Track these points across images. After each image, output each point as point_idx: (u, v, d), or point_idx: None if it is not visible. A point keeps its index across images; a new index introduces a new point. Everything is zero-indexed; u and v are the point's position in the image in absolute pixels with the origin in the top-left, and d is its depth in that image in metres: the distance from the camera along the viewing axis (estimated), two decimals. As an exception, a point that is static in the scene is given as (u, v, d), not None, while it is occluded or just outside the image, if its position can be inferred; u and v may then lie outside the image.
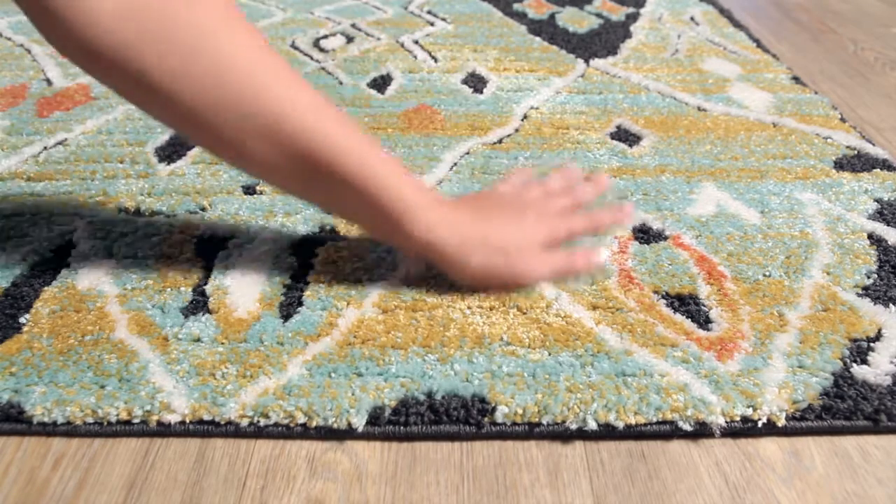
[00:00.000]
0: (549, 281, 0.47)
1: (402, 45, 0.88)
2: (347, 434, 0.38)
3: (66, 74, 0.77)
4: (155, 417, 0.38)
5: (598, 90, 0.76)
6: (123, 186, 0.57)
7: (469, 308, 0.45)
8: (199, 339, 0.42)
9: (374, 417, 0.38)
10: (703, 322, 0.44)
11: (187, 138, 0.45)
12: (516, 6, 1.03)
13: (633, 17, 0.99)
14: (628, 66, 0.82)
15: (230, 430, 0.38)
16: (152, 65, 0.36)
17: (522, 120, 0.69)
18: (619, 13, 1.00)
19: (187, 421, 0.38)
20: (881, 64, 0.88)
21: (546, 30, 0.94)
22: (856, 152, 0.64)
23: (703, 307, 0.45)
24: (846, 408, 0.38)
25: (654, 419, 0.38)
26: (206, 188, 0.57)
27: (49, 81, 0.76)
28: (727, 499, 0.35)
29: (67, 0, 0.34)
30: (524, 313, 0.45)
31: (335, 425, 0.38)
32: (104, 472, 0.36)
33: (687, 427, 0.38)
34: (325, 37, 0.90)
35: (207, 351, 0.42)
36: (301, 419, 0.38)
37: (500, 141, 0.66)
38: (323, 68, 0.81)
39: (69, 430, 0.38)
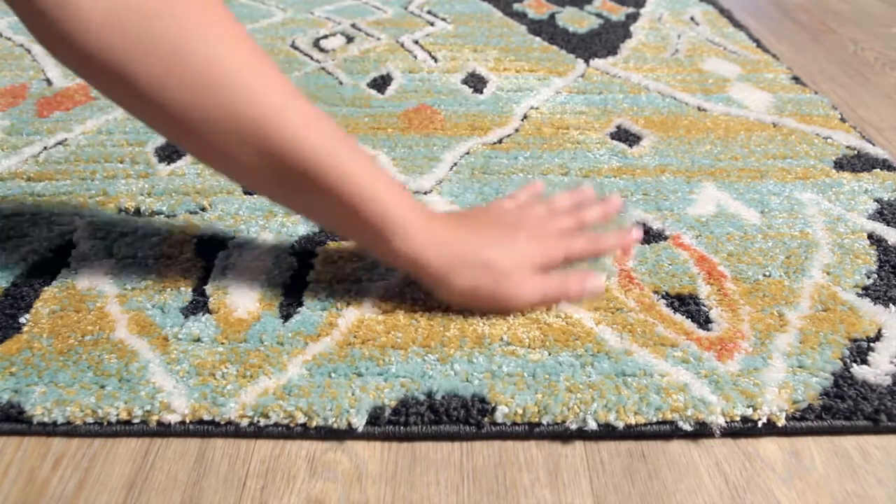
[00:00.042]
0: (540, 305, 0.45)
1: (402, 45, 0.88)
2: (347, 434, 0.38)
3: (66, 74, 0.77)
4: (155, 417, 0.38)
5: (598, 90, 0.76)
6: (123, 186, 0.57)
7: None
8: (199, 339, 0.42)
9: (374, 417, 0.38)
10: (703, 322, 0.44)
11: (178, 145, 0.44)
12: (516, 6, 1.03)
13: (633, 17, 0.99)
14: (628, 66, 0.82)
15: (230, 430, 0.38)
16: (138, 70, 0.36)
17: (522, 120, 0.69)
18: (619, 13, 1.00)
19: (187, 421, 0.38)
20: (881, 64, 0.88)
21: (546, 30, 0.94)
22: (856, 152, 0.64)
23: (703, 307, 0.45)
24: (846, 408, 0.38)
25: (654, 419, 0.38)
26: (206, 188, 0.57)
27: (49, 81, 0.76)
28: (727, 499, 0.35)
29: (58, 3, 0.34)
30: (524, 314, 0.45)
31: (335, 425, 0.38)
32: (104, 472, 0.36)
33: (687, 427, 0.38)
34: (325, 37, 0.90)
35: (207, 351, 0.42)
36: (301, 419, 0.38)
37: (500, 141, 0.66)
38: (323, 68, 0.81)
39: (69, 430, 0.38)
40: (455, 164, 0.62)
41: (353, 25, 0.95)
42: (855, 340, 0.43)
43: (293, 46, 0.87)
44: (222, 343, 0.42)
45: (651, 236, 0.53)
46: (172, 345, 0.42)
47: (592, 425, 0.38)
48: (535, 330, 0.43)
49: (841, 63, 0.87)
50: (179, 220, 0.53)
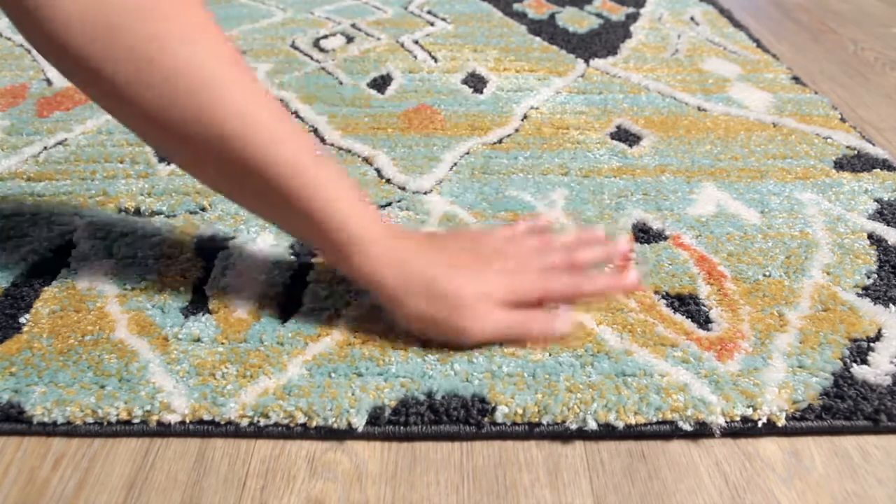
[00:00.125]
0: (499, 341, 0.42)
1: (402, 45, 0.88)
2: (347, 434, 0.38)
3: (66, 74, 0.77)
4: (155, 417, 0.38)
5: (598, 90, 0.76)
6: (123, 186, 0.57)
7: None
8: (199, 339, 0.42)
9: (374, 417, 0.38)
10: (703, 322, 0.44)
11: (152, 148, 0.43)
12: (516, 6, 1.03)
13: (633, 17, 0.99)
14: (628, 66, 0.82)
15: (230, 430, 0.38)
16: (109, 69, 0.36)
17: (522, 120, 0.69)
18: (619, 13, 1.00)
19: (187, 421, 0.38)
20: (881, 64, 0.88)
21: (546, 30, 0.94)
22: (856, 152, 0.64)
23: (703, 307, 0.45)
24: (846, 408, 0.38)
25: (654, 419, 0.38)
26: (206, 188, 0.57)
27: (49, 81, 0.76)
28: (727, 499, 0.35)
29: None
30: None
31: (335, 425, 0.38)
32: (104, 472, 0.36)
33: (687, 427, 0.38)
34: (325, 37, 0.90)
35: (207, 351, 0.42)
36: (301, 419, 0.38)
37: (500, 141, 0.66)
38: (323, 68, 0.81)
39: (69, 430, 0.38)
40: (455, 164, 0.62)
41: (353, 25, 0.95)
42: (855, 340, 0.43)
43: (293, 46, 0.87)
44: (222, 343, 0.42)
45: (651, 236, 0.53)
46: (172, 345, 0.42)
47: (592, 425, 0.38)
48: (535, 330, 0.43)
49: (841, 63, 0.87)
50: (179, 220, 0.53)
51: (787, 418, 0.38)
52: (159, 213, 0.54)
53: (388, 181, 0.59)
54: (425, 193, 0.57)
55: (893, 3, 1.11)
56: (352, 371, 0.40)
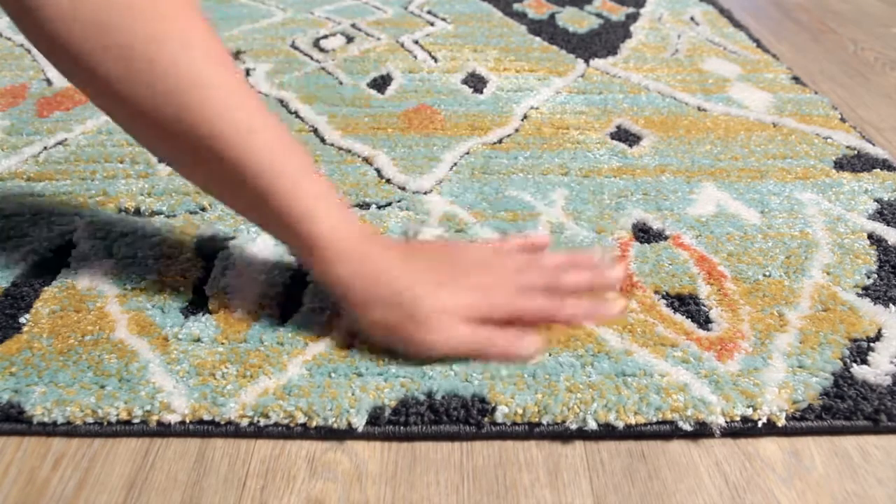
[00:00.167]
0: (463, 356, 0.41)
1: (402, 45, 0.88)
2: (347, 434, 0.38)
3: (66, 74, 0.77)
4: (155, 417, 0.38)
5: (598, 90, 0.76)
6: (123, 186, 0.57)
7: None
8: (199, 339, 0.42)
9: (374, 417, 0.38)
10: (703, 322, 0.44)
11: (141, 145, 0.44)
12: (516, 6, 1.03)
13: (633, 17, 0.99)
14: (628, 66, 0.82)
15: (230, 430, 0.38)
16: (105, 67, 0.36)
17: (522, 120, 0.69)
18: (619, 13, 1.00)
19: (187, 421, 0.38)
20: (881, 64, 0.88)
21: (546, 30, 0.94)
22: (856, 152, 0.64)
23: (703, 307, 0.45)
24: (846, 408, 0.38)
25: (654, 419, 0.38)
26: (206, 188, 0.57)
27: (49, 81, 0.76)
28: (727, 499, 0.35)
29: None
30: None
31: (335, 425, 0.38)
32: (104, 472, 0.36)
33: (687, 427, 0.38)
34: (325, 37, 0.90)
35: (207, 351, 0.42)
36: (301, 419, 0.38)
37: (500, 141, 0.66)
38: (323, 68, 0.81)
39: (69, 430, 0.38)
40: (455, 164, 0.62)
41: (353, 25, 0.95)
42: (855, 340, 0.43)
43: (293, 46, 0.87)
44: (222, 343, 0.42)
45: (651, 236, 0.53)
46: (172, 345, 0.42)
47: (592, 425, 0.38)
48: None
49: (841, 63, 0.87)
50: (179, 220, 0.53)
51: (787, 418, 0.38)
52: (159, 213, 0.54)
53: (388, 181, 0.59)
54: (425, 193, 0.57)
55: (893, 3, 1.11)
56: (352, 371, 0.40)
